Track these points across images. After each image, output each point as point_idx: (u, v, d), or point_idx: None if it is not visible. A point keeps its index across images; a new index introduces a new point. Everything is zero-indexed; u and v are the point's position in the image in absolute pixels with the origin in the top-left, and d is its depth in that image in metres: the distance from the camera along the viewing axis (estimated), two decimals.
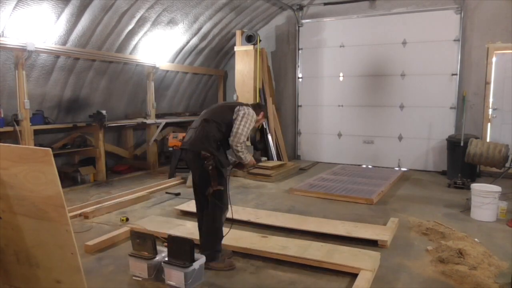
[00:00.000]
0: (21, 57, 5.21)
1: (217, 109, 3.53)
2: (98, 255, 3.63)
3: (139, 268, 3.15)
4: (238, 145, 3.31)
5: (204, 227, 3.44)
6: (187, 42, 7.86)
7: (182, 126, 8.60)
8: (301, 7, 8.63)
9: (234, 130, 3.30)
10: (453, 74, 7.39)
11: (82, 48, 5.98)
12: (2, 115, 5.27)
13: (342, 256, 3.42)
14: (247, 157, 3.44)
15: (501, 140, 6.50)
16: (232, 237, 3.86)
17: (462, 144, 6.34)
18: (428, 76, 7.59)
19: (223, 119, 3.37)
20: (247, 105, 3.53)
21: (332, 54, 8.47)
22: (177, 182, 6.51)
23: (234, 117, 3.35)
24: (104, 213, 4.83)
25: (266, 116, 3.94)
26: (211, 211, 3.35)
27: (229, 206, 3.45)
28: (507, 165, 5.64)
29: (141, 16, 6.29)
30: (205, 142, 3.26)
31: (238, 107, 3.42)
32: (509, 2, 6.79)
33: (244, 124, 3.32)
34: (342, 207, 5.22)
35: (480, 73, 7.20)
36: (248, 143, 7.74)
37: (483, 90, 7.19)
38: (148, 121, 7.40)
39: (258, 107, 3.65)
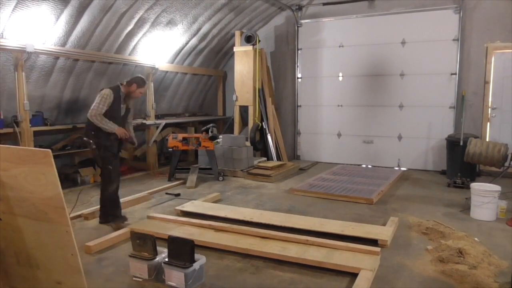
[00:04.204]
0: (21, 59, 5.21)
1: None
2: (98, 256, 3.63)
3: (139, 269, 3.15)
4: (93, 118, 4.18)
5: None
6: (187, 43, 7.86)
7: (181, 127, 8.61)
8: (300, 7, 8.63)
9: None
10: (452, 74, 7.40)
11: (82, 49, 5.98)
12: (2, 117, 5.27)
13: (342, 256, 3.43)
14: (109, 126, 4.24)
15: (500, 140, 6.51)
16: (232, 238, 3.87)
17: (461, 143, 6.34)
18: (427, 75, 7.60)
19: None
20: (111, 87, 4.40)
21: (331, 54, 8.48)
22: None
23: None
24: None
25: (141, 86, 4.49)
26: (102, 185, 4.47)
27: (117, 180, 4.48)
28: (507, 164, 5.64)
29: (140, 17, 6.29)
30: (85, 132, 4.36)
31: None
32: (508, 2, 6.80)
33: (97, 101, 4.21)
34: (342, 207, 5.22)
35: (479, 73, 7.20)
36: (248, 143, 7.75)
37: (482, 90, 7.20)
38: (147, 122, 7.40)
39: (130, 80, 4.45)
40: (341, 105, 8.49)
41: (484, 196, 4.59)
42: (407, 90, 7.82)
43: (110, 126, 4.26)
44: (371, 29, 7.99)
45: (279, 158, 8.29)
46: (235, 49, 8.29)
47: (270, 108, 8.32)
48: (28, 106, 5.40)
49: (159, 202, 5.47)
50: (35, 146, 5.48)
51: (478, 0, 7.08)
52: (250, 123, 8.24)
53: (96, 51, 6.22)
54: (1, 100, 5.46)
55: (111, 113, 4.30)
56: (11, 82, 5.37)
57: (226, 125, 9.30)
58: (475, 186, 4.78)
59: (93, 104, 4.23)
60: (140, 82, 4.48)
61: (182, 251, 3.00)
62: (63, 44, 5.73)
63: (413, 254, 3.66)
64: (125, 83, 4.46)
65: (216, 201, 5.51)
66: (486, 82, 7.16)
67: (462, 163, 6.16)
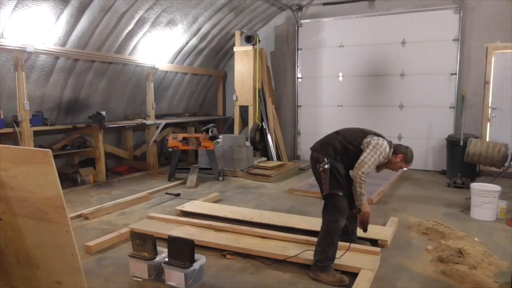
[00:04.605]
0: (21, 58, 5.21)
1: (352, 129, 3.50)
2: (98, 256, 3.63)
3: (139, 269, 3.15)
4: (359, 173, 3.16)
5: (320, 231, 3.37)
6: (187, 43, 7.86)
7: (181, 127, 8.61)
8: (300, 7, 8.63)
9: (360, 158, 3.20)
10: (452, 74, 7.39)
11: (82, 49, 5.98)
12: (2, 117, 5.27)
13: (342, 256, 3.42)
14: (363, 196, 3.24)
15: (500, 140, 6.50)
16: (232, 238, 3.87)
17: (461, 143, 6.35)
18: (428, 75, 7.59)
19: (353, 137, 3.35)
20: (382, 137, 3.36)
21: (331, 54, 8.48)
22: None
23: (363, 146, 3.28)
24: (104, 214, 4.83)
25: (406, 161, 3.43)
26: (324, 215, 3.40)
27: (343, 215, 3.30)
28: (507, 164, 5.64)
29: (141, 17, 6.29)
30: (323, 147, 3.36)
31: (371, 135, 3.32)
32: (508, 2, 6.79)
33: (373, 154, 3.20)
34: None
35: (479, 73, 7.20)
36: (248, 143, 7.75)
37: (483, 90, 7.20)
38: (147, 122, 7.40)
39: (397, 148, 3.41)
40: (341, 105, 8.49)
41: (484, 196, 4.59)
42: (407, 90, 7.81)
43: (363, 198, 3.26)
44: (371, 29, 7.99)
45: (279, 158, 8.28)
46: (235, 49, 8.29)
47: (270, 108, 8.32)
48: (28, 106, 5.40)
49: (159, 202, 5.47)
50: (35, 146, 5.48)
51: (478, 0, 7.08)
52: (250, 123, 8.24)
53: (96, 51, 6.22)
54: (1, 100, 5.46)
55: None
56: (11, 82, 5.37)
57: (226, 125, 9.30)
58: (475, 186, 4.78)
59: (366, 154, 3.19)
60: (409, 157, 3.43)
61: (182, 251, 3.00)
62: (63, 44, 5.73)
63: (413, 254, 3.66)
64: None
65: (216, 201, 5.51)
66: (486, 82, 7.15)
67: (462, 163, 6.15)
